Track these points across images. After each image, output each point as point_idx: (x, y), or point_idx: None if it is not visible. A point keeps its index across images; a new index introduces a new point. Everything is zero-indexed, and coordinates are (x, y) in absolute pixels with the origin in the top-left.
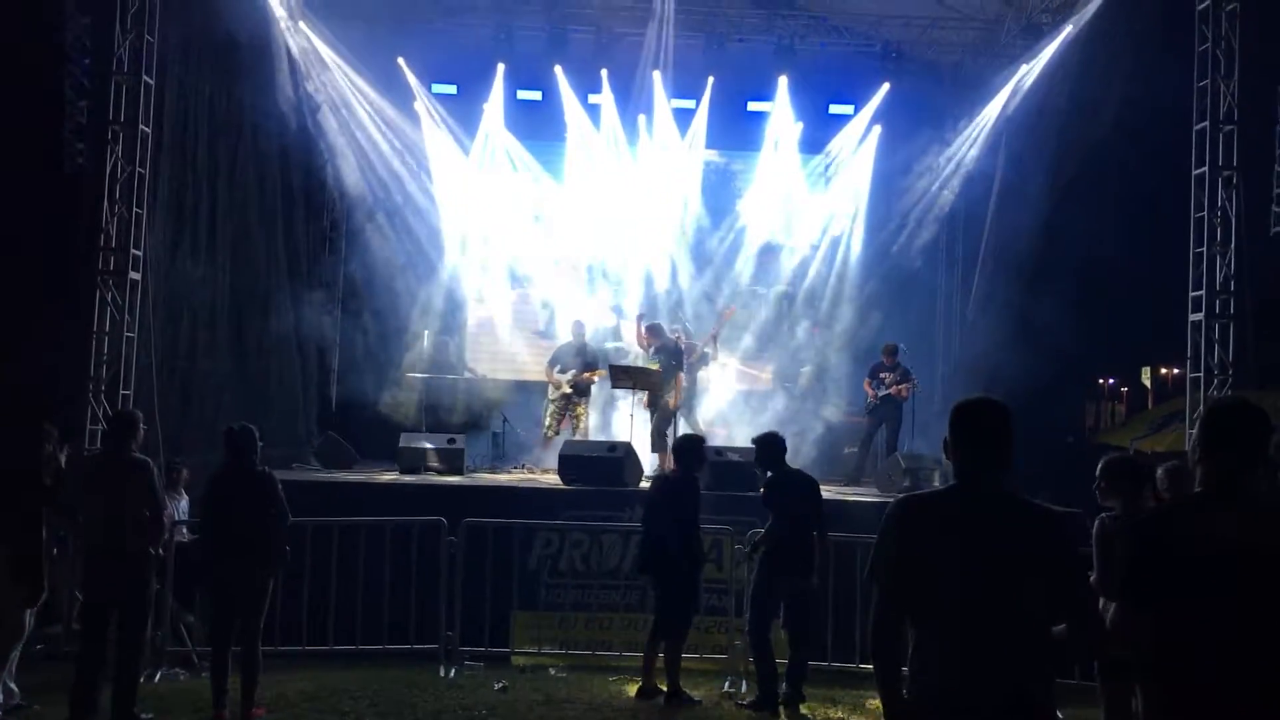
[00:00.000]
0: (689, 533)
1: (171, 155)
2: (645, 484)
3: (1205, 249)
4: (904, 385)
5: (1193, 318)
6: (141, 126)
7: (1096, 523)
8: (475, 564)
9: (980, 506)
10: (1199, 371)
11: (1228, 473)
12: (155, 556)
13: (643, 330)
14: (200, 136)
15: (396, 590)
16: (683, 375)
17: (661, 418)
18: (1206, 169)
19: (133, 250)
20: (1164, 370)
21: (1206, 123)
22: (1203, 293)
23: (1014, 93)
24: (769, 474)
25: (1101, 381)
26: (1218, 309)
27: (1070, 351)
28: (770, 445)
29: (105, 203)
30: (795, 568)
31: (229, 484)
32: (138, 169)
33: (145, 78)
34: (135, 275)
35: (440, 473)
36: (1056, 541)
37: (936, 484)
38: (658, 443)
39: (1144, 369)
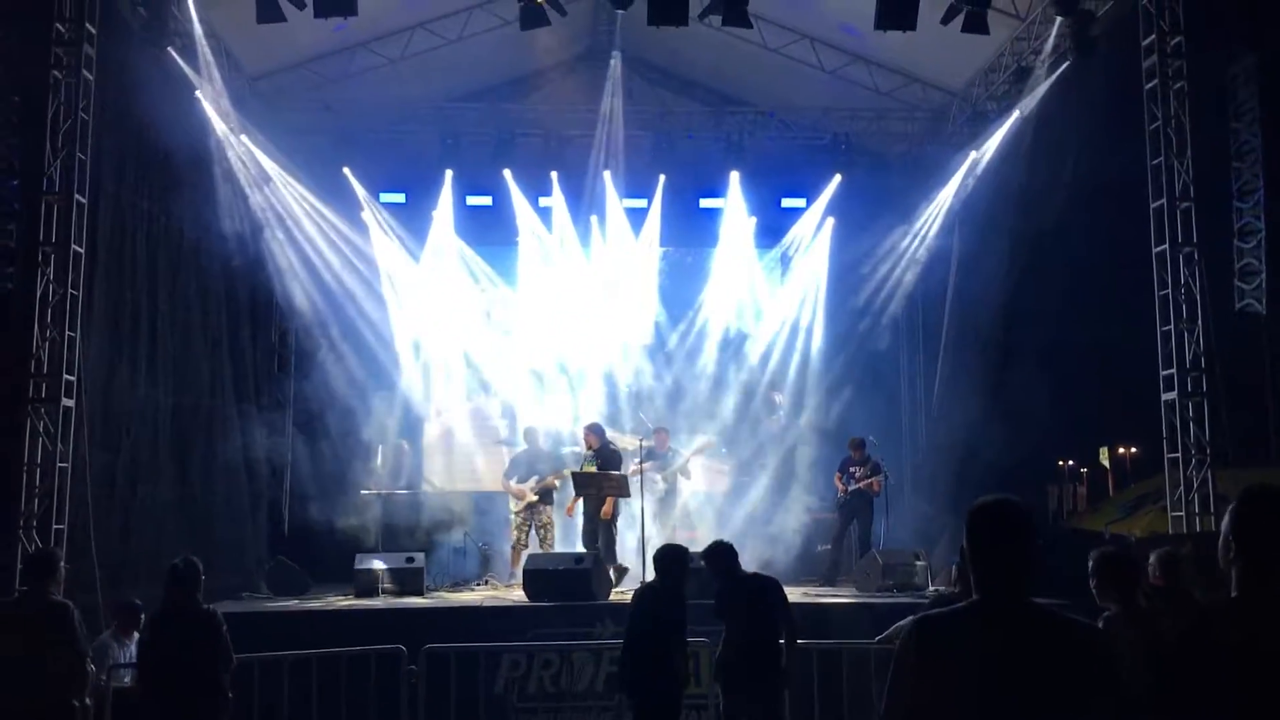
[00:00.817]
0: (670, 650)
1: (107, 274)
2: (618, 595)
3: (1173, 327)
4: (875, 479)
5: (1165, 397)
6: (74, 247)
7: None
8: (439, 693)
9: (1010, 627)
10: (1176, 451)
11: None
12: (81, 709)
13: (586, 433)
14: (138, 254)
15: None
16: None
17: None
18: (1167, 246)
19: (65, 375)
20: (1121, 450)
21: (1164, 200)
22: (1174, 371)
23: (965, 179)
24: (717, 584)
25: (1061, 463)
26: (1189, 387)
27: (1031, 434)
28: (714, 556)
29: (36, 327)
30: (753, 686)
31: (170, 625)
32: (70, 290)
33: (78, 196)
34: (69, 402)
35: (398, 594)
36: (1101, 668)
37: (916, 581)
38: (606, 555)
39: (1102, 449)
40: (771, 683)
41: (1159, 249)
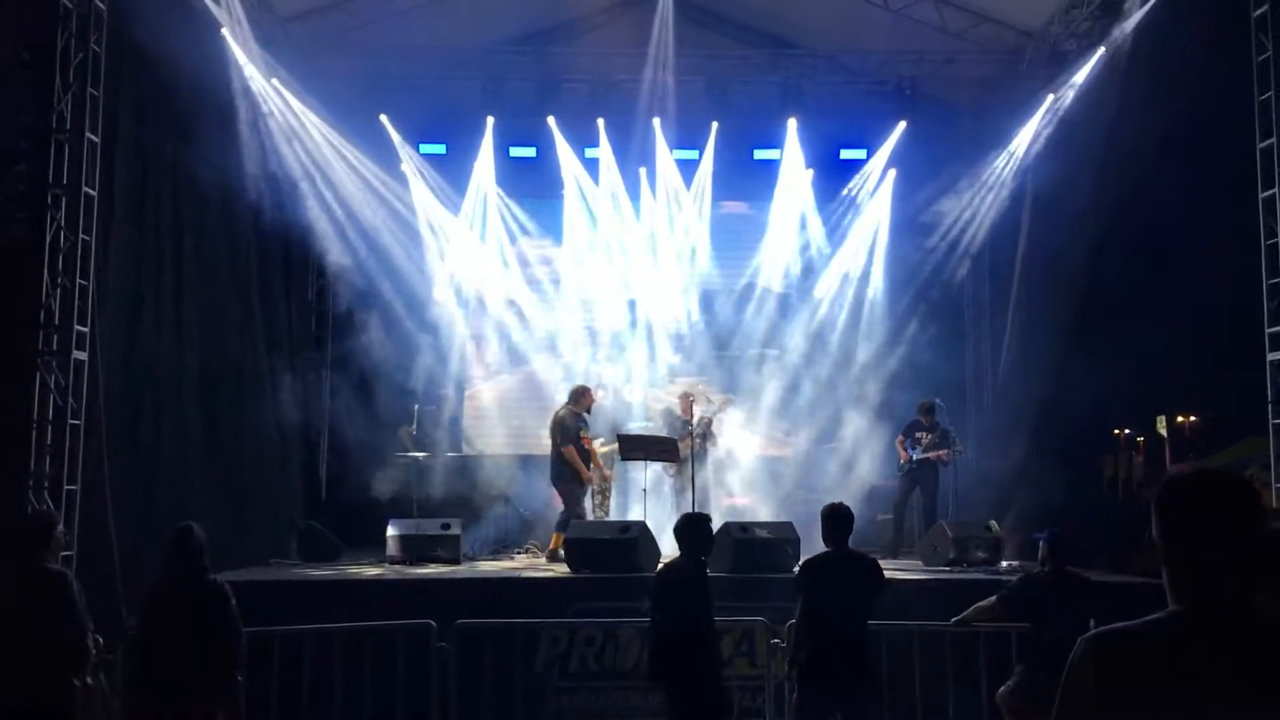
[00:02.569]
0: (700, 632)
1: (127, 220)
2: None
3: None
4: (944, 450)
5: (1271, 356)
6: (86, 189)
7: None
8: (472, 671)
9: (1239, 650)
10: None
11: None
12: (83, 688)
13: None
14: (162, 201)
15: (380, 707)
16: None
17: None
18: (1277, 189)
19: (77, 327)
20: (1180, 419)
21: (1274, 139)
22: None
23: (1042, 124)
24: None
25: (1117, 432)
26: None
27: (1095, 399)
28: (825, 519)
29: (45, 274)
30: (834, 689)
31: (172, 597)
32: (82, 236)
33: (89, 135)
34: (80, 354)
35: (434, 562)
36: None
37: (989, 555)
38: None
39: (1160, 418)
40: (863, 689)
41: (1267, 193)
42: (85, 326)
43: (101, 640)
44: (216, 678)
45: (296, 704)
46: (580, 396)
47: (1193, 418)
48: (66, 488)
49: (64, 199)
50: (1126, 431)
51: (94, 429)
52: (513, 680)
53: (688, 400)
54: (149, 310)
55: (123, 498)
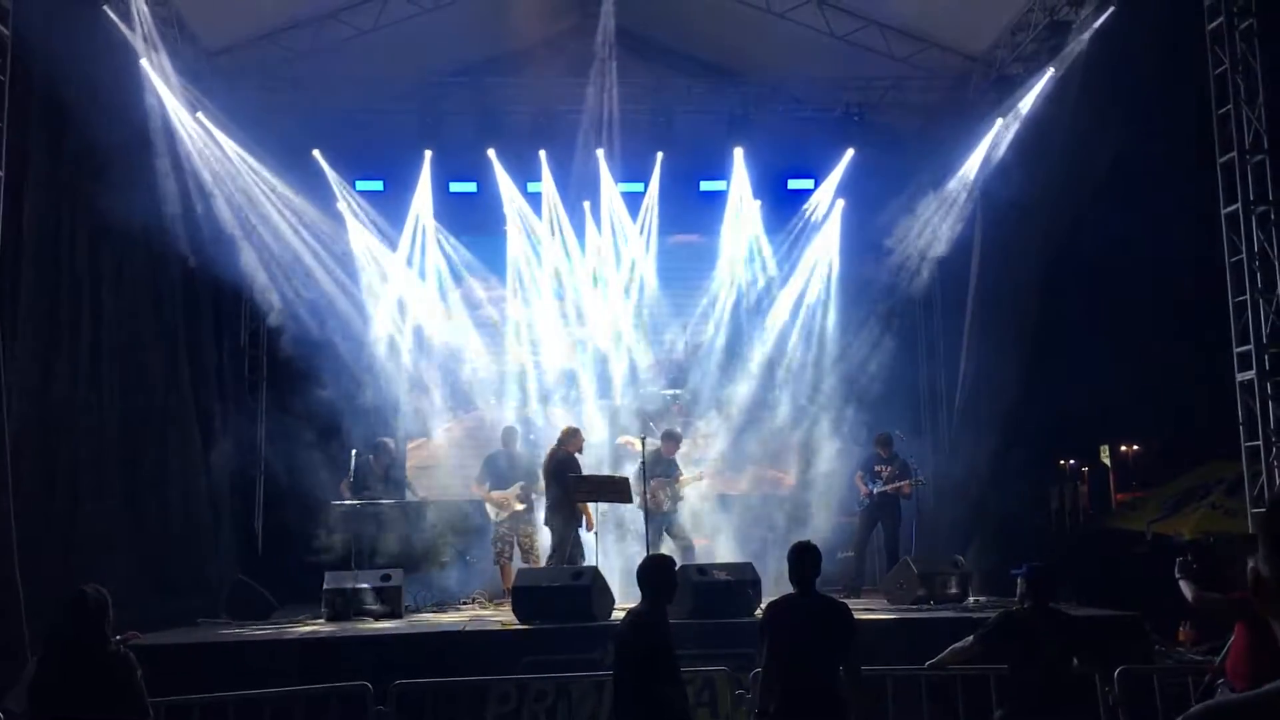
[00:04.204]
0: (659, 686)
1: (37, 263)
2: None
3: (1248, 296)
4: (905, 482)
5: (1241, 377)
6: None
7: None
8: None
9: None
10: (1256, 439)
11: None
12: None
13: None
14: (76, 242)
15: None
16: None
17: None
18: (1239, 205)
19: None
20: (1123, 448)
21: (1234, 153)
22: (1250, 347)
23: (990, 149)
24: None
25: (1062, 463)
26: (1268, 365)
27: (1032, 431)
28: (794, 559)
29: None
30: None
31: (67, 667)
32: None
33: None
34: None
35: (375, 616)
36: None
37: (957, 591)
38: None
39: (1102, 447)
40: None
41: (1229, 209)
42: None
43: None
44: None
45: None
46: (570, 438)
47: (1135, 446)
48: None
49: None
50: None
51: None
52: None
53: (672, 443)
54: (63, 358)
55: (35, 559)
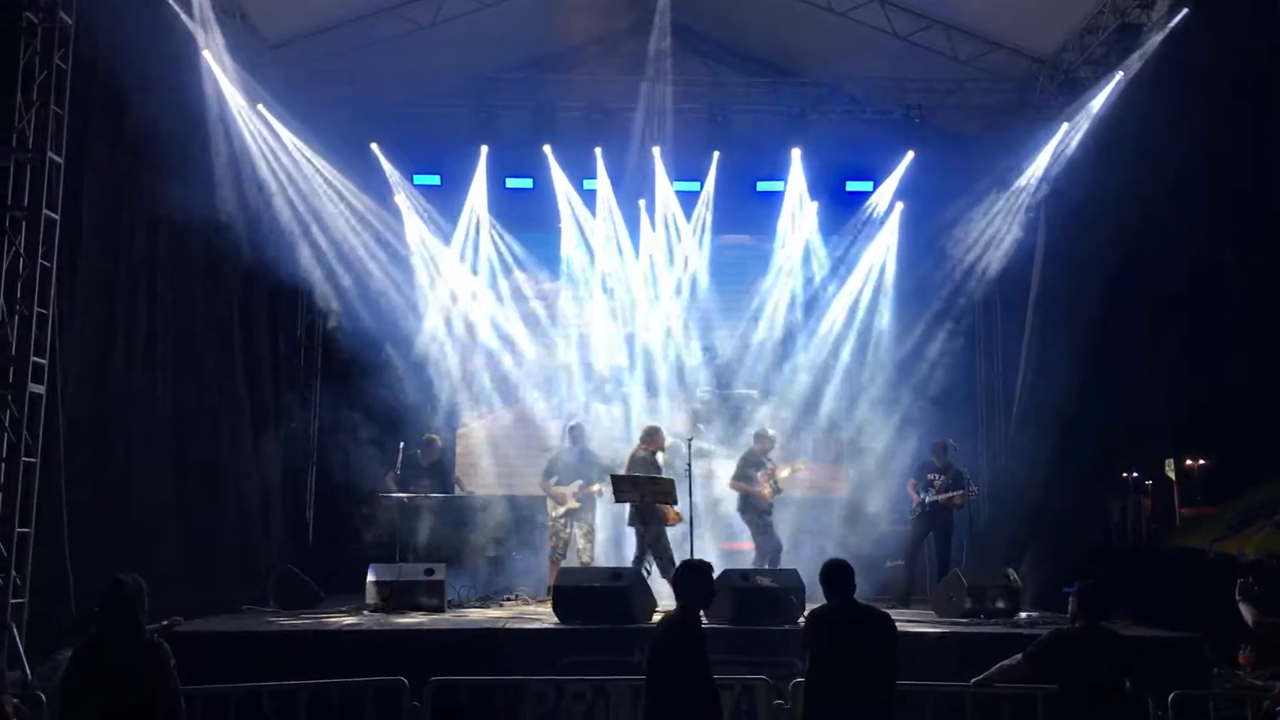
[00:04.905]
0: (694, 693)
1: (96, 249)
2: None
3: None
4: (957, 493)
5: None
6: (47, 212)
7: None
8: None
9: None
10: None
11: None
12: None
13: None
14: (135, 229)
15: None
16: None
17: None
18: None
19: (34, 358)
20: (1188, 462)
21: None
22: None
23: (1055, 154)
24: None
25: (1125, 475)
26: None
27: (1100, 443)
28: (826, 580)
29: (1, 302)
30: None
31: (103, 657)
32: (41, 262)
33: (52, 155)
34: (38, 388)
35: (417, 610)
36: None
37: (1008, 605)
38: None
39: (1168, 460)
40: None
41: None
42: (44, 359)
43: None
44: None
45: None
46: (650, 437)
47: (1201, 460)
48: (18, 530)
49: (24, 222)
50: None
51: (52, 467)
52: None
53: (764, 442)
54: (119, 344)
55: (84, 543)
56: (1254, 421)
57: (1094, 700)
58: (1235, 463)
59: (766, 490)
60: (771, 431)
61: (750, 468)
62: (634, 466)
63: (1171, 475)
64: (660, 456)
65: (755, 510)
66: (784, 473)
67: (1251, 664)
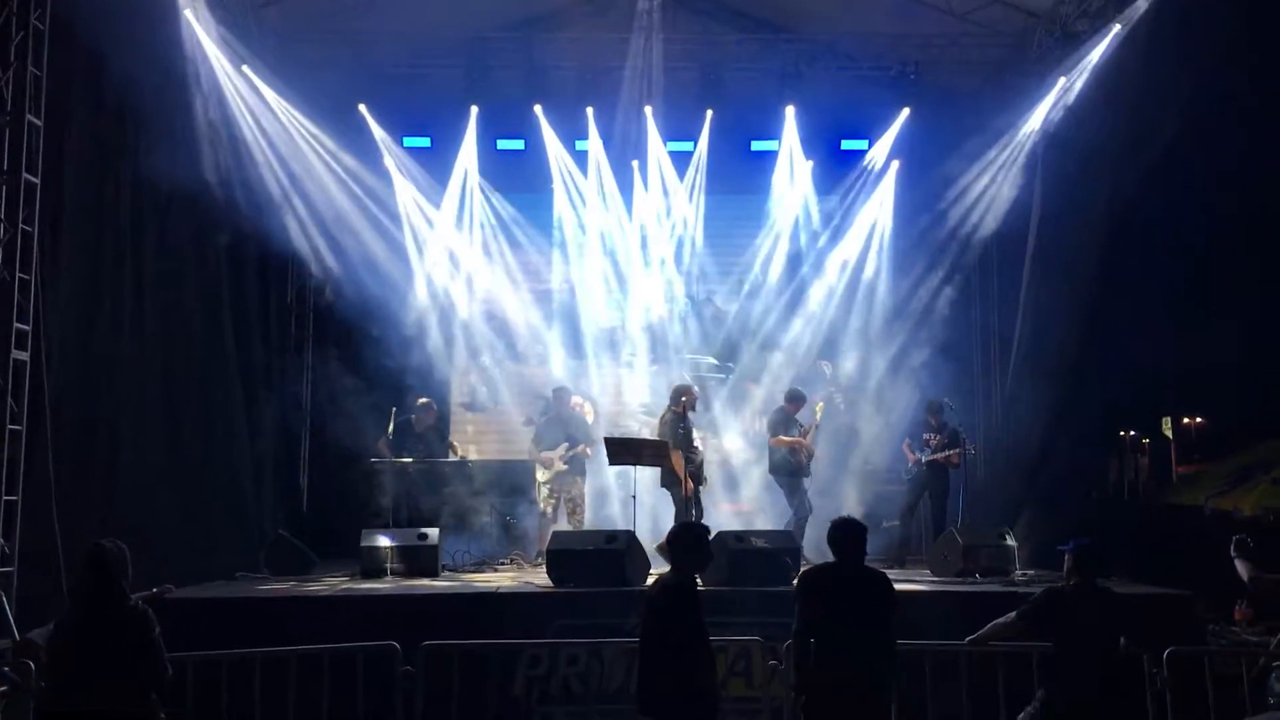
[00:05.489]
0: (689, 655)
1: (79, 214)
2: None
3: None
4: (954, 451)
5: None
6: (26, 175)
7: None
8: (440, 695)
9: None
10: None
11: None
12: None
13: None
14: (120, 193)
15: None
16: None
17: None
18: None
19: (17, 324)
20: (1185, 421)
21: None
22: None
23: (1053, 108)
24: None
25: (1123, 434)
26: None
27: (1098, 402)
28: (832, 536)
29: None
30: (842, 710)
31: (83, 625)
32: (23, 226)
33: (30, 118)
34: (21, 354)
35: (409, 575)
36: None
37: (1003, 564)
38: None
39: (1165, 419)
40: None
41: None
42: (27, 324)
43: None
44: (133, 717)
45: None
46: (680, 396)
47: (1199, 419)
48: (6, 498)
49: (3, 186)
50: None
51: (39, 435)
52: (484, 706)
53: (795, 403)
54: (105, 310)
55: (73, 511)
56: (1251, 379)
57: (1088, 658)
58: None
59: (807, 443)
60: (801, 391)
61: (783, 427)
62: (662, 428)
63: (1169, 434)
64: (691, 416)
65: (788, 471)
66: (817, 412)
67: (1247, 620)
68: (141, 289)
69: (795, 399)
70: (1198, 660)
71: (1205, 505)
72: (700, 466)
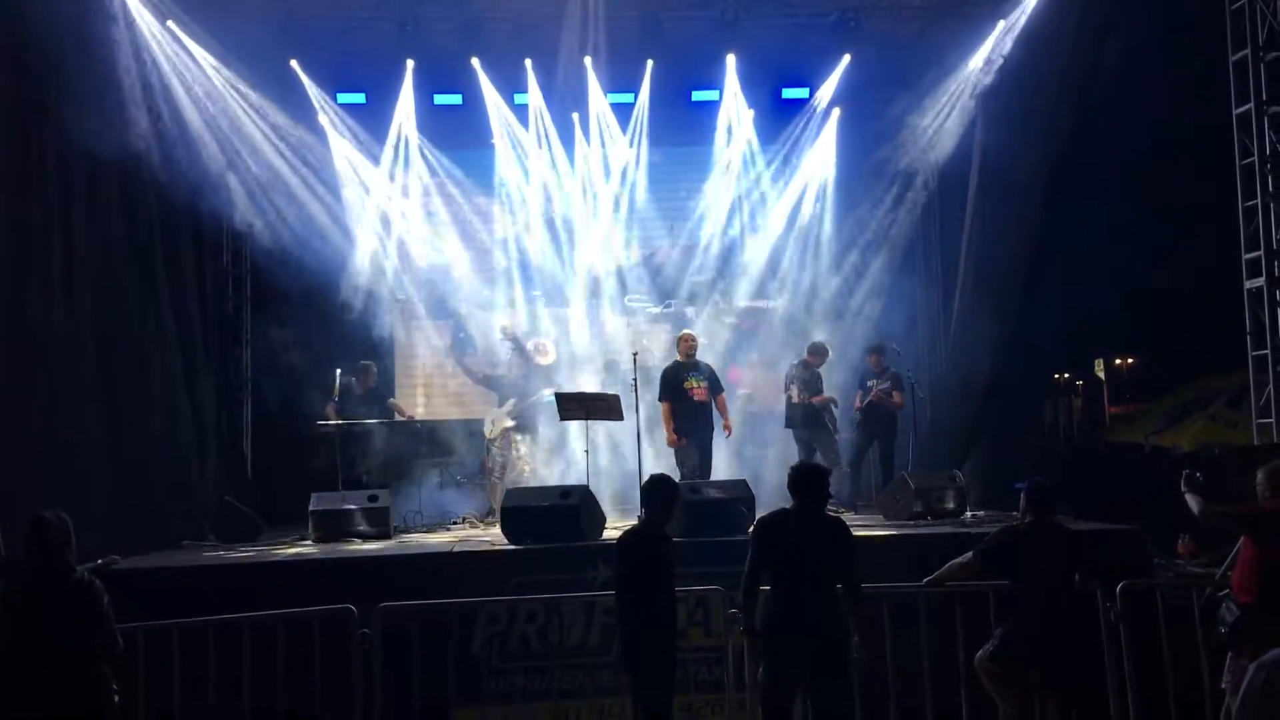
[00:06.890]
0: (655, 604)
1: (5, 180)
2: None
3: (1258, 200)
4: (897, 392)
5: (1249, 284)
6: None
7: None
8: (399, 657)
9: None
10: (1264, 347)
11: None
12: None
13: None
14: (47, 160)
15: (296, 702)
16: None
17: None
18: (1251, 105)
19: None
20: (1118, 361)
21: (1246, 51)
22: (1260, 253)
23: (992, 53)
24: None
25: (1057, 377)
26: (1277, 271)
27: (1030, 344)
28: (792, 480)
29: None
30: (801, 653)
31: (28, 599)
32: None
33: None
34: None
35: (362, 537)
36: None
37: (954, 506)
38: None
39: (1097, 361)
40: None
41: (1241, 109)
42: None
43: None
44: (84, 690)
45: (202, 703)
46: (677, 344)
47: (1130, 360)
48: None
49: None
50: (1066, 375)
51: None
52: (444, 666)
53: (819, 356)
54: (36, 279)
55: (10, 485)
56: (1184, 319)
57: (1045, 593)
58: (1164, 361)
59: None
60: (824, 343)
61: (799, 380)
62: (665, 380)
63: (1101, 375)
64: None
65: (801, 425)
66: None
67: (1190, 552)
68: (71, 257)
69: (817, 352)
70: (1149, 593)
71: (1145, 443)
72: None
